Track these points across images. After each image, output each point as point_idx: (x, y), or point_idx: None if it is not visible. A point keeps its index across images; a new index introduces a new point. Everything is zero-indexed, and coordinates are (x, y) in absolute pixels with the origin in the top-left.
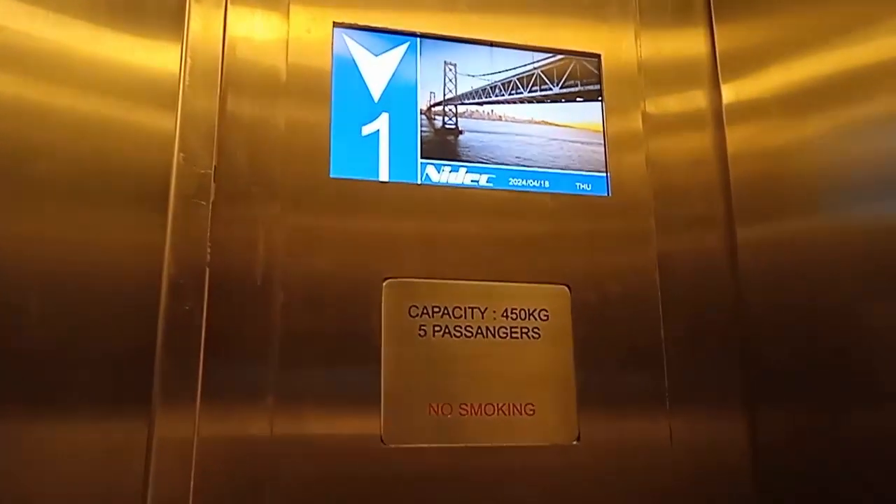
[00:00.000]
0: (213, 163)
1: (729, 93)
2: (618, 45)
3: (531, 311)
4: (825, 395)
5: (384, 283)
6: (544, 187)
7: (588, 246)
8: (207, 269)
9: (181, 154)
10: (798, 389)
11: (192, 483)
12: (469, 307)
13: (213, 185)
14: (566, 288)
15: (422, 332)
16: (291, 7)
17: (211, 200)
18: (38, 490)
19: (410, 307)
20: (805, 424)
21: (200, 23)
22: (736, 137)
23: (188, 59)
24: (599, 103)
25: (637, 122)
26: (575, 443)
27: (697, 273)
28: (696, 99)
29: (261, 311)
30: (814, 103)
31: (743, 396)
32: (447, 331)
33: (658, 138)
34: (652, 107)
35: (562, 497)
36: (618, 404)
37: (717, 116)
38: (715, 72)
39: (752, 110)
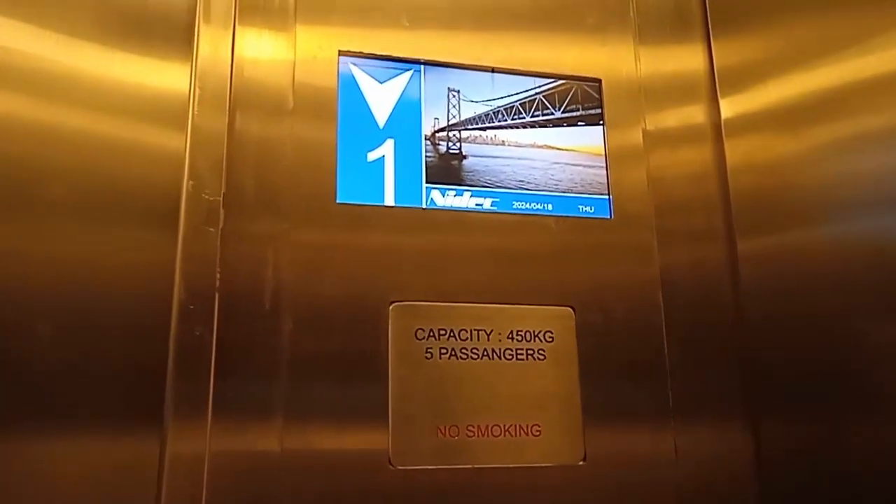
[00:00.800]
0: (223, 189)
1: (727, 108)
2: (618, 67)
3: (536, 333)
4: (827, 406)
5: (391, 307)
6: (547, 210)
7: (591, 267)
8: (217, 294)
9: (191, 182)
10: (801, 401)
11: (203, 500)
12: (475, 329)
13: (221, 211)
14: (570, 309)
15: (428, 355)
16: (298, 31)
17: (220, 227)
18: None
19: (417, 330)
20: (808, 436)
21: (209, 44)
22: (735, 152)
23: (197, 81)
24: (601, 127)
25: (638, 141)
26: (581, 463)
27: (699, 287)
28: (695, 114)
29: (269, 333)
30: (812, 117)
31: (746, 409)
32: (453, 353)
33: (658, 154)
34: (652, 124)
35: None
36: (623, 422)
37: (717, 131)
38: (713, 87)
39: (750, 124)
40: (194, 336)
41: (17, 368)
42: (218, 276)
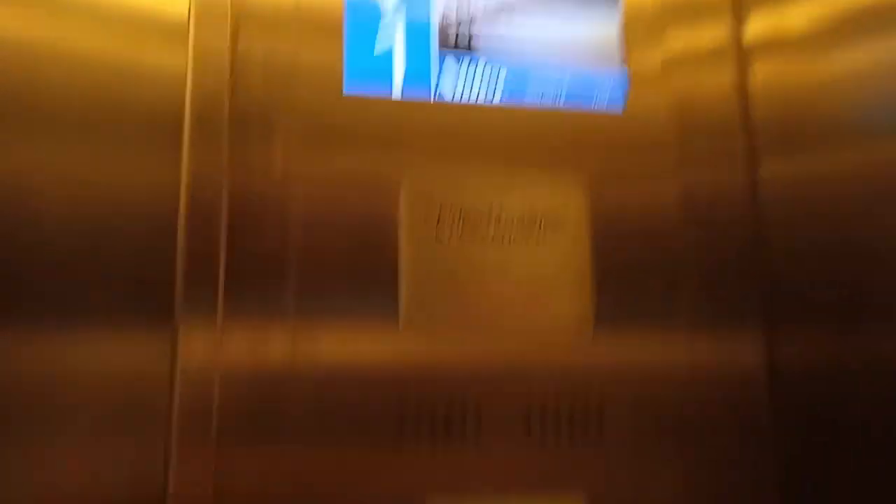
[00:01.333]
0: (227, 81)
1: (753, 26)
2: None
3: (549, 217)
4: (843, 320)
5: (401, 192)
6: (561, 95)
7: (606, 156)
8: (225, 189)
9: (194, 74)
10: (816, 314)
11: (216, 390)
12: (486, 213)
13: (227, 104)
14: (584, 194)
15: (440, 240)
16: None
17: (226, 118)
18: (62, 406)
19: (427, 215)
20: (822, 349)
21: None
22: (759, 71)
23: None
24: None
25: (657, 55)
26: (591, 345)
27: (719, 193)
28: (719, 32)
29: (279, 227)
30: (839, 38)
31: (761, 319)
32: (465, 237)
33: (680, 69)
34: (673, 40)
35: (576, 392)
36: (634, 315)
37: (740, 50)
38: (738, 4)
39: (775, 44)
40: (203, 233)
41: (26, 267)
42: (226, 169)
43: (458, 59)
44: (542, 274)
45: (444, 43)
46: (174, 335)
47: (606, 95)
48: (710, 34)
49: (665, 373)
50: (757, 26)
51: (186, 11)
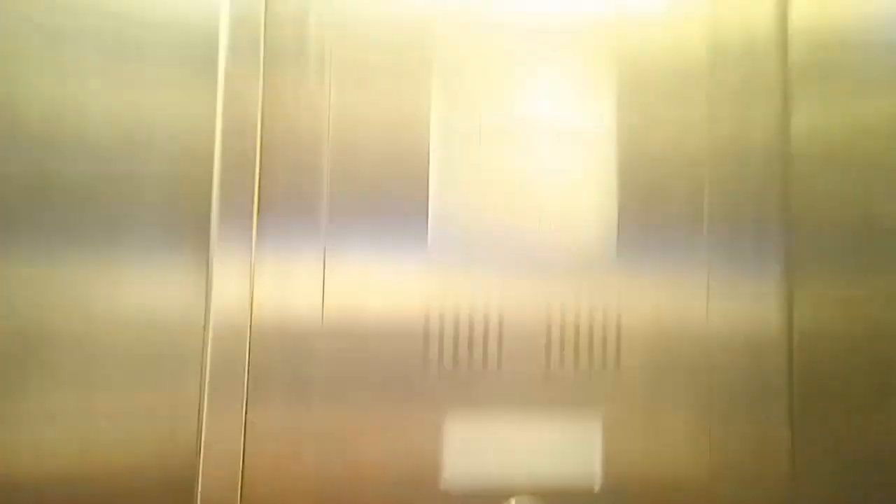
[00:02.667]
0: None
1: None
2: None
3: (577, 129)
4: (867, 274)
5: (431, 98)
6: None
7: (640, 71)
8: (260, 112)
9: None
10: (839, 268)
11: (248, 334)
12: (516, 121)
13: (263, 22)
14: (614, 107)
15: (468, 151)
16: None
17: (262, 41)
18: (97, 347)
19: (458, 124)
20: (844, 302)
21: None
22: (799, 9)
23: None
24: None
25: None
26: (613, 268)
27: (749, 129)
28: None
29: (311, 150)
30: None
31: (782, 270)
32: (493, 146)
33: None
34: None
35: (595, 316)
36: (657, 245)
37: None
38: None
39: None
40: (237, 153)
41: (59, 200)
42: (262, 91)
43: None
44: (567, 190)
45: None
46: (209, 271)
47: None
48: None
49: (683, 309)
50: None
51: None
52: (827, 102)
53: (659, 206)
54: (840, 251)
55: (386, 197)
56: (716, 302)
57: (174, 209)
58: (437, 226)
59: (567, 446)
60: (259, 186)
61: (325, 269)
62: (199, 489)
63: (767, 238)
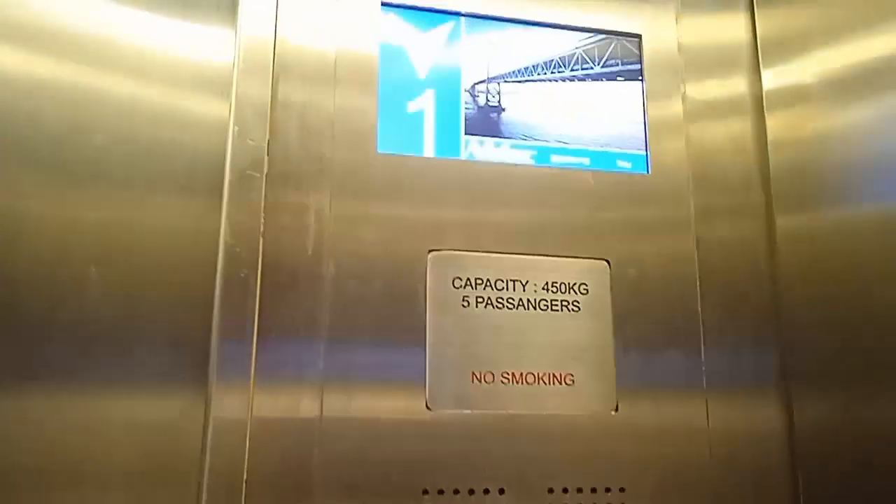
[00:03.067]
0: (266, 137)
1: (770, 78)
2: (659, 27)
3: (571, 285)
4: (863, 381)
5: (429, 256)
6: (585, 165)
7: (628, 223)
8: (261, 239)
9: (236, 127)
10: (836, 375)
11: (247, 444)
12: (511, 280)
13: (266, 157)
14: (606, 263)
15: (465, 303)
16: None
17: (265, 172)
18: (94, 461)
19: (454, 279)
20: (842, 410)
21: (253, 7)
22: (776, 124)
23: (241, 42)
24: (640, 83)
25: (677, 101)
26: (613, 413)
27: (736, 255)
28: (737, 84)
29: (311, 279)
30: (856, 89)
31: (780, 379)
32: (490, 302)
33: (698, 122)
34: (692, 90)
35: (598, 465)
36: (655, 381)
37: (758, 102)
38: (756, 57)
39: (793, 96)
40: (239, 278)
41: (64, 323)
42: (262, 220)
43: (483, 141)
44: (565, 345)
45: (471, 127)
46: (207, 395)
47: (629, 162)
48: (729, 83)
49: (686, 443)
50: (775, 76)
51: (231, 61)
52: (813, 216)
53: (656, 346)
54: (837, 360)
55: (384, 336)
56: (719, 430)
57: (175, 335)
58: (434, 379)
59: None
60: (259, 312)
61: (324, 396)
62: None
63: (763, 356)
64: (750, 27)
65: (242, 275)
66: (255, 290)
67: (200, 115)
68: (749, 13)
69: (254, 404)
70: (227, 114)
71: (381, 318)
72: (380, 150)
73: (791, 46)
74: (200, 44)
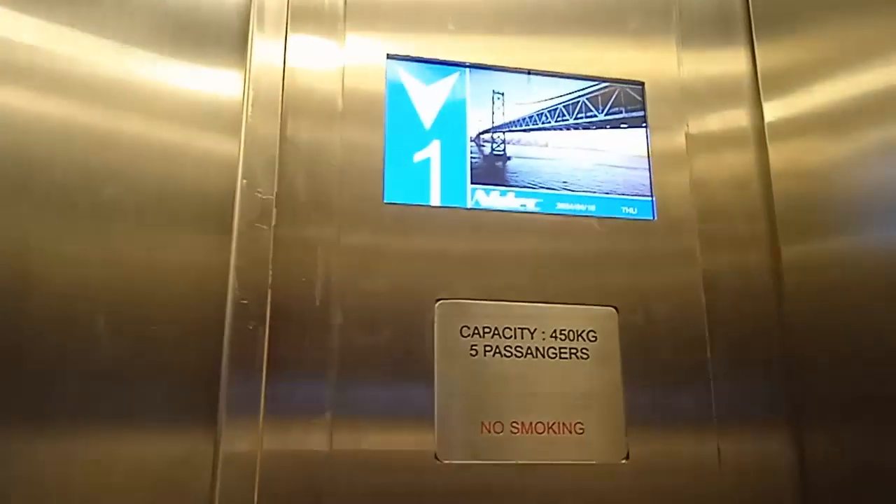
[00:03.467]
0: (275, 189)
1: (771, 112)
2: (661, 70)
3: (579, 332)
4: (873, 415)
5: (436, 304)
6: (591, 211)
7: (634, 268)
8: (269, 291)
9: (244, 180)
10: (846, 409)
11: (255, 495)
12: (519, 328)
13: (274, 210)
14: (614, 310)
15: (473, 352)
16: (348, 36)
17: (273, 225)
18: (104, 501)
19: (462, 327)
20: (853, 445)
21: (263, 52)
22: (779, 156)
23: (251, 88)
24: (644, 129)
25: (681, 144)
26: (623, 461)
27: (742, 293)
28: (739, 118)
29: (319, 330)
30: (857, 121)
31: (790, 416)
32: (498, 351)
33: (701, 158)
34: (695, 128)
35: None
36: (666, 424)
37: (760, 135)
38: (757, 91)
39: (794, 129)
40: (248, 330)
41: (75, 366)
42: (270, 272)
43: (489, 190)
44: (574, 393)
45: (477, 176)
46: (217, 427)
47: (634, 208)
48: (731, 118)
49: (696, 485)
50: (776, 110)
51: (241, 98)
52: (818, 248)
53: (666, 388)
54: (847, 394)
55: (393, 379)
56: (730, 467)
57: (183, 374)
58: (443, 429)
59: None
60: (269, 350)
61: (333, 433)
62: None
63: (773, 391)
64: (750, 61)
65: (251, 327)
66: (263, 343)
67: (210, 155)
68: (749, 47)
69: (263, 442)
70: (237, 153)
71: (389, 368)
72: (386, 200)
73: (792, 79)
74: (210, 85)
